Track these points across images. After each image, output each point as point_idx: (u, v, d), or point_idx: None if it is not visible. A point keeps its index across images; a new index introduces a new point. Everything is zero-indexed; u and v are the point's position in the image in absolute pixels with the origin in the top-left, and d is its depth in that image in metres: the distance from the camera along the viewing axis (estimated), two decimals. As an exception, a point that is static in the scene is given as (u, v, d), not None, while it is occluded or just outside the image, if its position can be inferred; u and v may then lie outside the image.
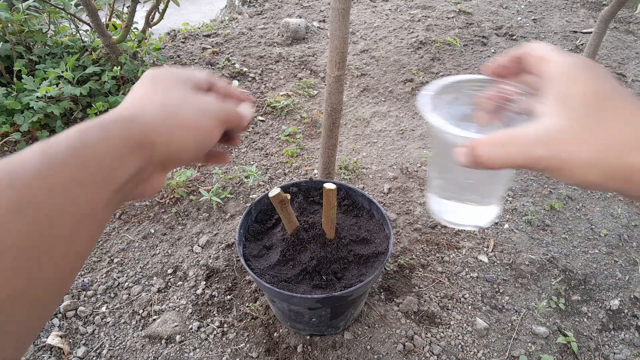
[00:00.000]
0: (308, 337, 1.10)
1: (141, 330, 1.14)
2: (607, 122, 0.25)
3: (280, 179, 1.65)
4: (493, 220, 0.42)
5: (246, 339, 1.12)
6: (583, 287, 1.29)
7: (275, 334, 1.12)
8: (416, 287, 1.25)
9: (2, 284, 0.20)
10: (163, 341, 1.11)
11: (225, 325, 1.14)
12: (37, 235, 0.21)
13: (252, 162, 1.73)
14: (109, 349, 1.10)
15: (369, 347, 1.09)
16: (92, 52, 1.91)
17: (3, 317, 0.20)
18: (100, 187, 0.25)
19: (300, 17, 2.90)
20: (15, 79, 1.75)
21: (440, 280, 1.27)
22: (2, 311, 0.20)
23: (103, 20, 1.88)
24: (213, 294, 1.23)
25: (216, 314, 1.17)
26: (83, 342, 1.12)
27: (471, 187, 0.39)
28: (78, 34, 2.03)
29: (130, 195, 0.29)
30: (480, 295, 1.24)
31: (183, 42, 2.59)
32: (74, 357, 1.08)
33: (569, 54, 0.30)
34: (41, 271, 0.21)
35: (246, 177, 1.61)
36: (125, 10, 1.98)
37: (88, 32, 2.05)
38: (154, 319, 1.16)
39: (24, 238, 0.20)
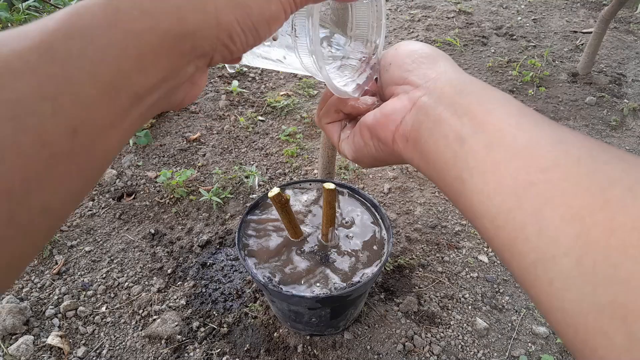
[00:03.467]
0: (308, 337, 1.10)
1: (141, 330, 1.14)
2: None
3: (280, 179, 1.65)
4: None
5: (246, 339, 1.12)
6: (583, 287, 1.29)
7: (275, 334, 1.12)
8: (416, 287, 1.25)
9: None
10: (163, 341, 1.11)
11: (225, 325, 1.14)
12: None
13: (252, 162, 1.73)
14: (109, 349, 1.10)
15: (369, 347, 1.09)
16: (92, 52, 1.90)
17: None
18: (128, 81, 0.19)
19: (300, 17, 2.89)
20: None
21: (440, 280, 1.27)
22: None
23: (103, 20, 1.88)
24: (213, 293, 1.23)
25: (216, 314, 1.17)
26: (83, 342, 1.12)
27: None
28: (78, 34, 2.03)
29: (167, 103, 0.24)
30: (480, 295, 1.24)
31: (183, 42, 2.59)
32: (74, 357, 1.08)
33: None
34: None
35: (246, 177, 1.61)
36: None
37: (88, 32, 2.04)
38: (154, 319, 1.16)
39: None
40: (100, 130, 0.19)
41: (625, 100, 2.14)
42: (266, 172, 1.68)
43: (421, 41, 2.12)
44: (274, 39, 0.33)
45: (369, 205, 1.07)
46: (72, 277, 1.28)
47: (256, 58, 0.35)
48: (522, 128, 0.24)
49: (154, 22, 0.20)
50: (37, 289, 1.24)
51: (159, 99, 0.22)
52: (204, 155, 1.76)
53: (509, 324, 1.17)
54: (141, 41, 0.19)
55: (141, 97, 0.21)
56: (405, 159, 0.31)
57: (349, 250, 0.95)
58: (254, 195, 1.56)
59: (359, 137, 0.34)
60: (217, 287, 1.25)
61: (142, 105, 0.21)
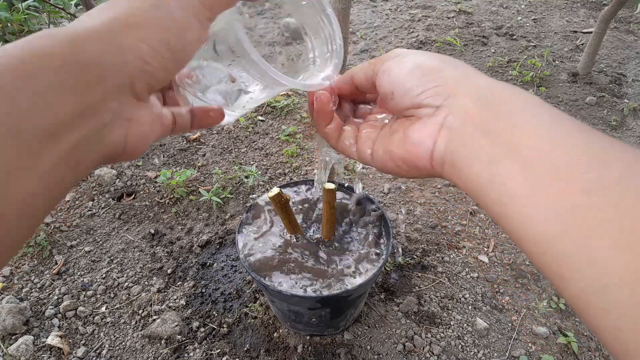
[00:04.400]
0: (308, 337, 1.10)
1: (141, 330, 1.14)
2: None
3: (280, 179, 1.65)
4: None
5: (246, 339, 1.12)
6: (583, 287, 1.29)
7: (275, 334, 1.12)
8: (416, 287, 1.25)
9: None
10: (163, 341, 1.11)
11: (225, 325, 1.14)
12: None
13: (252, 162, 1.73)
14: (109, 349, 1.10)
15: (369, 347, 1.09)
16: (92, 52, 1.90)
17: None
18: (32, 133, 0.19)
19: (300, 17, 2.89)
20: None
21: (440, 281, 1.27)
22: None
23: (103, 20, 1.87)
24: (213, 293, 1.23)
25: (216, 314, 1.17)
26: (83, 342, 1.12)
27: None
28: (78, 34, 2.03)
29: (100, 146, 0.22)
30: (480, 295, 1.24)
31: (183, 42, 2.59)
32: (73, 357, 1.08)
33: None
34: None
35: (246, 177, 1.61)
36: (125, 10, 1.98)
37: (88, 32, 2.04)
38: (154, 319, 1.16)
39: None
40: (7, 171, 0.18)
41: (625, 100, 2.13)
42: (266, 172, 1.68)
43: (421, 41, 2.09)
44: (232, 81, 0.34)
45: (368, 204, 1.07)
46: (72, 277, 1.28)
47: (231, 99, 0.36)
48: (557, 143, 0.23)
49: (46, 59, 0.19)
50: (37, 289, 1.24)
51: (82, 138, 0.21)
52: (204, 155, 1.76)
53: (509, 324, 1.17)
54: (35, 79, 0.19)
55: (54, 136, 0.19)
56: (446, 179, 0.30)
57: (349, 250, 0.95)
58: (253, 195, 1.56)
59: (393, 165, 0.33)
60: (217, 287, 1.24)
61: (59, 146, 0.20)
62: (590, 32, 2.36)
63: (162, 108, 0.31)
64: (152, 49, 0.22)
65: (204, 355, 1.08)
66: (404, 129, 0.31)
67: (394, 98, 0.31)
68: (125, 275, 1.29)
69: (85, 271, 1.30)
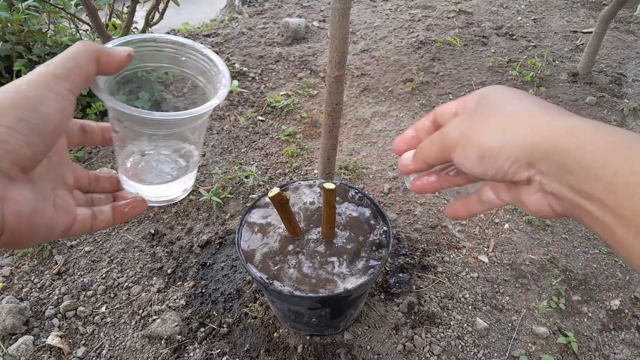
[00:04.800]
0: (308, 338, 1.10)
1: (141, 330, 1.14)
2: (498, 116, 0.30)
3: (280, 179, 1.65)
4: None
5: (246, 339, 1.11)
6: (583, 287, 1.29)
7: (275, 334, 1.12)
8: (416, 287, 1.25)
9: None
10: (163, 341, 1.11)
11: (225, 325, 1.14)
12: None
13: (252, 162, 1.73)
14: (109, 349, 1.10)
15: (369, 347, 1.09)
16: (92, 52, 1.90)
17: None
18: None
19: (300, 17, 2.89)
20: (15, 78, 1.74)
21: (440, 281, 1.27)
22: None
23: (103, 20, 1.87)
24: (213, 293, 1.23)
25: (216, 314, 1.17)
26: (83, 342, 1.12)
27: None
28: (78, 34, 2.03)
29: None
30: (480, 295, 1.24)
31: (183, 42, 2.58)
32: (73, 357, 1.08)
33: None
34: None
35: (246, 177, 1.61)
36: (125, 10, 1.98)
37: (88, 32, 2.04)
38: (154, 319, 1.16)
39: None
40: None
41: (625, 100, 2.13)
42: (266, 172, 1.68)
43: (421, 41, 2.07)
44: (142, 155, 0.38)
45: (368, 204, 1.07)
46: (72, 277, 1.28)
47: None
48: None
49: None
50: (37, 289, 1.24)
51: None
52: (203, 155, 1.76)
53: (509, 324, 1.17)
54: None
55: None
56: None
57: (349, 250, 0.95)
58: (253, 195, 1.56)
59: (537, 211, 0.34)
60: (217, 287, 1.24)
61: None
62: (590, 32, 2.36)
63: (72, 199, 0.33)
64: (8, 129, 0.24)
65: (204, 355, 1.08)
66: (516, 192, 0.32)
67: (485, 181, 0.33)
68: (125, 275, 1.29)
69: (85, 271, 1.30)
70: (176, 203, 1.52)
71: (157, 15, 2.00)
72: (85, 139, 0.37)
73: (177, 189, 0.40)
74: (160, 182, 0.39)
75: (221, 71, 0.36)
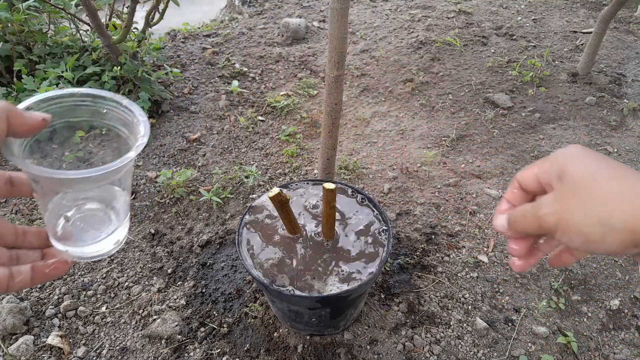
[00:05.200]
0: (308, 337, 1.10)
1: (141, 330, 1.14)
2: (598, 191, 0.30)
3: (280, 179, 1.65)
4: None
5: (246, 339, 1.12)
6: (583, 287, 1.29)
7: (275, 334, 1.12)
8: (416, 287, 1.25)
9: None
10: (163, 341, 1.11)
11: (225, 325, 1.14)
12: None
13: (252, 162, 1.73)
14: (109, 349, 1.10)
15: (369, 347, 1.09)
16: (92, 52, 1.91)
17: None
18: None
19: (300, 17, 2.89)
20: (15, 79, 1.75)
21: (440, 280, 1.27)
22: None
23: (103, 20, 1.88)
24: (213, 293, 1.23)
25: (216, 314, 1.17)
26: (83, 342, 1.12)
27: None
28: (78, 34, 2.03)
29: None
30: (480, 295, 1.24)
31: (183, 42, 2.59)
32: (74, 357, 1.08)
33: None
34: None
35: (246, 177, 1.61)
36: (125, 10, 1.98)
37: (88, 32, 2.05)
38: (154, 319, 1.16)
39: None
40: None
41: (625, 100, 2.14)
42: (266, 172, 1.68)
43: (421, 41, 2.08)
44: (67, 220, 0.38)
45: (368, 204, 1.07)
46: (72, 277, 1.28)
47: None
48: None
49: None
50: (37, 289, 1.24)
51: None
52: (204, 155, 1.76)
53: (509, 324, 1.17)
54: None
55: None
56: None
57: (349, 250, 0.95)
58: (254, 195, 1.56)
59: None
60: (217, 287, 1.25)
61: None
62: (590, 32, 2.36)
63: None
64: None
65: (204, 355, 1.08)
66: None
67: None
68: (125, 275, 1.29)
69: (85, 271, 1.30)
70: (177, 203, 1.53)
71: (157, 16, 2.00)
72: (13, 191, 0.36)
73: (108, 244, 0.40)
74: (90, 242, 0.38)
75: (140, 121, 0.36)
